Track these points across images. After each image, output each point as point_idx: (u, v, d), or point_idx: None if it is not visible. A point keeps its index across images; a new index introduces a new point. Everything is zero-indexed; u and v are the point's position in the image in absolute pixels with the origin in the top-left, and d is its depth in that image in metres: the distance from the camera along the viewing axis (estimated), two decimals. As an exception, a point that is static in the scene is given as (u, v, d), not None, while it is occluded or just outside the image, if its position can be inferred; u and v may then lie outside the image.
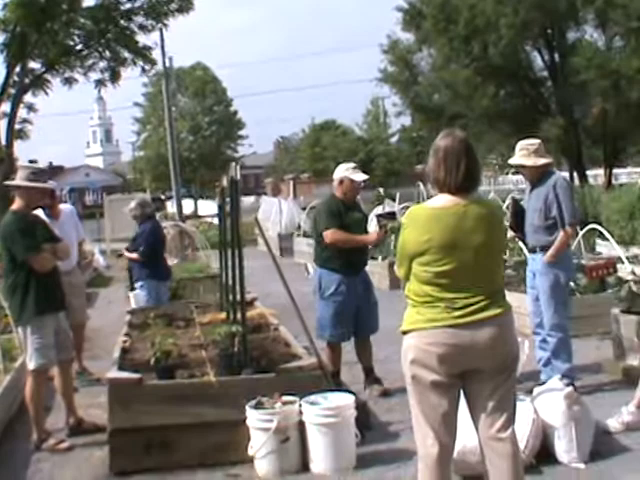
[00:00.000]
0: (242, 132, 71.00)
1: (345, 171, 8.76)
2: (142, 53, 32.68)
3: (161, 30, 34.41)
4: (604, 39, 30.37)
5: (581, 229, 12.52)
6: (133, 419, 6.66)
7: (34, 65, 31.76)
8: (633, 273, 9.75)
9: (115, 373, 7.01)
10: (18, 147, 32.98)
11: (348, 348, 8.94)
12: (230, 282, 8.04)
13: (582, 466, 6.31)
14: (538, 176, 8.21)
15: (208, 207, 48.89)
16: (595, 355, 9.53)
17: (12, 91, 30.73)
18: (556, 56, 30.94)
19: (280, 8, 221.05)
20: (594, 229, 13.34)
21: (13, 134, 31.00)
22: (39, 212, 8.33)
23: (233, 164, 7.68)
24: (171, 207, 49.25)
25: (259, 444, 6.53)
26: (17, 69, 30.52)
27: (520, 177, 31.59)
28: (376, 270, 15.52)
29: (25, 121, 32.92)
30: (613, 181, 32.19)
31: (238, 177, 7.49)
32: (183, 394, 6.80)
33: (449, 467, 4.90)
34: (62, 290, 7.84)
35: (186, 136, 66.23)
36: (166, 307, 10.57)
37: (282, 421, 6.48)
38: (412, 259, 4.80)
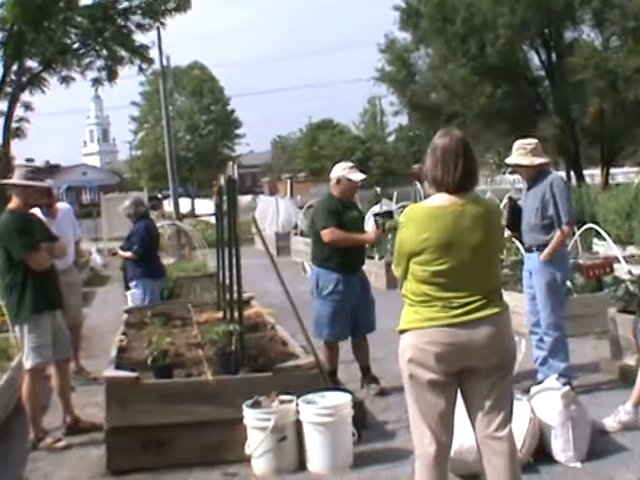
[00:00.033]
0: (239, 131, 70.96)
1: (342, 170, 8.77)
2: (139, 52, 32.65)
3: (158, 29, 34.30)
4: (601, 39, 30.33)
5: (578, 229, 12.53)
6: (130, 418, 6.66)
7: (31, 63, 31.75)
8: (630, 273, 9.74)
9: (112, 372, 7.01)
10: (15, 146, 32.96)
11: (345, 347, 8.94)
12: (227, 281, 8.04)
13: (579, 465, 6.31)
14: (535, 175, 8.22)
15: (205, 206, 48.90)
16: (592, 354, 9.54)
17: (9, 89, 30.69)
18: (553, 56, 30.92)
19: (277, 7, 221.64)
20: (591, 229, 13.34)
21: (10, 133, 30.97)
22: (36, 211, 8.32)
23: (230, 163, 7.69)
24: (168, 206, 49.22)
25: (256, 443, 6.53)
26: (14, 67, 30.48)
27: (517, 176, 31.64)
28: (373, 269, 15.54)
29: (22, 120, 32.90)
30: (610, 181, 32.14)
31: (235, 176, 7.49)
32: (180, 393, 6.80)
33: (446, 466, 4.91)
34: (59, 289, 7.85)
35: (183, 135, 66.21)
36: (163, 306, 10.57)
37: (279, 420, 6.48)
38: (409, 258, 4.80)
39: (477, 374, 4.77)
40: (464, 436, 5.42)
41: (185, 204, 54.21)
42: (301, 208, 28.01)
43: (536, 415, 6.40)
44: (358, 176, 8.80)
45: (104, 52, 32.42)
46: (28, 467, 7.17)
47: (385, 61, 34.99)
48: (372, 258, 16.40)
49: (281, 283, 7.69)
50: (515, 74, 30.85)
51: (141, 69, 33.47)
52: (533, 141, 8.31)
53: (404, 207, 10.61)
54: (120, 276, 12.36)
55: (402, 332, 4.84)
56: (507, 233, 8.54)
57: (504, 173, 51.10)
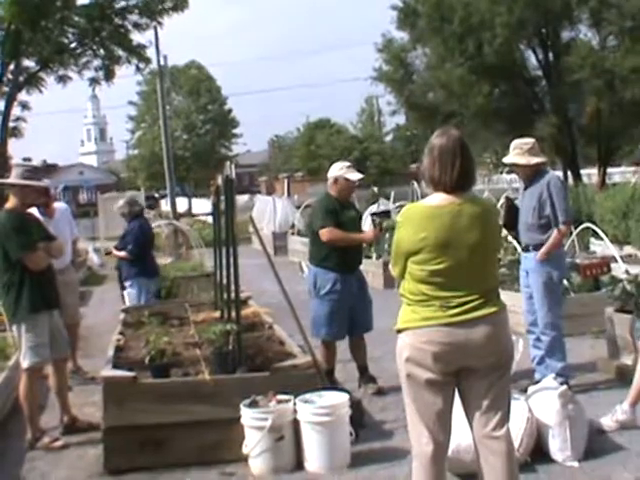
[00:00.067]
0: (236, 131, 70.89)
1: (340, 170, 8.77)
2: (136, 51, 32.65)
3: (155, 28, 34.37)
4: (598, 38, 30.38)
5: (575, 228, 12.54)
6: (127, 417, 6.65)
7: (28, 63, 31.75)
8: (627, 272, 9.75)
9: (110, 371, 7.01)
10: (12, 145, 33.00)
11: (342, 346, 8.95)
12: (225, 280, 8.04)
13: (576, 464, 6.32)
14: (532, 175, 8.23)
15: (202, 205, 48.90)
16: (589, 354, 9.55)
17: (6, 89, 30.68)
18: (550, 55, 30.94)
19: (277, 7, 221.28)
20: (588, 228, 13.36)
21: (7, 132, 30.97)
22: (34, 210, 8.32)
23: (228, 163, 7.68)
24: (165, 205, 49.25)
25: (254, 442, 6.53)
26: (11, 67, 30.48)
27: (514, 176, 31.60)
28: (370, 269, 15.55)
29: (19, 119, 32.90)
30: (607, 180, 32.22)
31: (233, 176, 7.49)
32: (177, 392, 6.80)
33: (444, 465, 4.91)
34: (56, 288, 7.84)
35: (180, 134, 66.15)
36: (161, 306, 10.57)
37: (276, 420, 6.49)
38: (407, 257, 4.81)
39: (475, 373, 4.77)
40: (461, 435, 5.42)
41: (182, 203, 54.29)
42: (298, 208, 28.02)
43: (533, 414, 6.41)
44: (356, 176, 8.80)
45: (101, 51, 32.41)
46: (25, 467, 7.16)
47: (382, 60, 35.04)
48: (369, 258, 16.41)
49: (278, 283, 7.68)
50: (512, 73, 30.87)
51: (138, 68, 33.48)
52: (530, 141, 8.32)
53: (401, 207, 10.60)
54: (117, 275, 12.34)
55: (399, 331, 4.85)
56: (504, 232, 8.55)
57: (501, 172, 51.22)
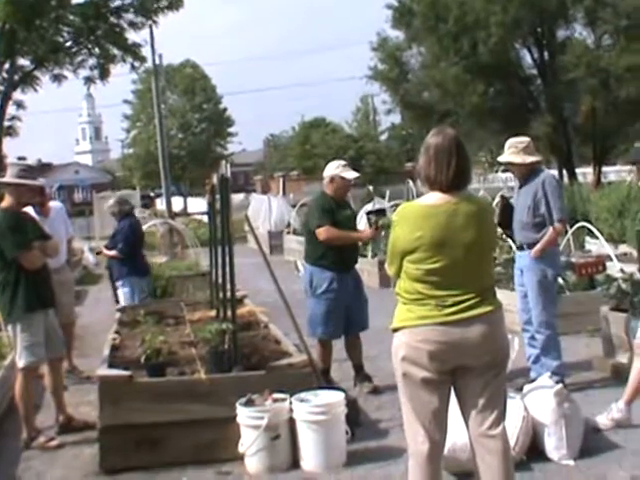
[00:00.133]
0: (232, 129, 70.89)
1: (336, 169, 8.76)
2: (131, 50, 32.61)
3: (151, 27, 34.30)
4: (593, 37, 30.45)
5: (570, 227, 12.55)
6: (123, 417, 6.65)
7: (23, 62, 31.72)
8: (622, 271, 9.77)
9: (105, 371, 7.01)
10: (7, 144, 32.93)
11: (338, 345, 8.94)
12: (220, 280, 8.04)
13: (572, 463, 6.33)
14: (527, 174, 8.23)
15: (197, 205, 48.89)
16: (585, 352, 9.57)
17: (1, 88, 30.66)
18: (545, 54, 31.00)
19: (275, 7, 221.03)
20: (583, 227, 13.37)
21: (2, 131, 30.93)
22: (29, 209, 8.31)
23: (223, 162, 7.68)
24: (160, 204, 49.26)
25: (249, 441, 6.53)
26: (6, 66, 30.44)
27: (510, 175, 31.68)
28: (366, 268, 15.55)
29: (14, 118, 32.87)
30: (602, 179, 32.24)
31: (228, 174, 7.48)
32: (173, 392, 6.79)
33: (440, 464, 4.91)
34: (52, 288, 7.83)
35: (176, 133, 66.11)
36: (156, 305, 10.56)
37: (272, 418, 6.49)
38: (403, 256, 4.81)
39: (470, 372, 4.78)
40: (457, 434, 5.43)
41: (177, 203, 54.21)
42: (294, 206, 28.01)
43: (529, 413, 6.41)
44: (351, 174, 8.80)
45: (96, 50, 32.37)
46: (21, 466, 7.15)
47: (378, 59, 35.08)
48: (365, 256, 16.41)
49: (274, 281, 7.68)
50: (507, 72, 30.92)
51: (133, 67, 33.44)
52: (525, 139, 8.32)
53: (397, 205, 10.61)
54: (108, 275, 12.30)
55: (395, 330, 4.85)
56: (499, 231, 8.55)
57: (497, 171, 51.23)
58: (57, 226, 9.67)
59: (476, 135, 33.48)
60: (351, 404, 7.09)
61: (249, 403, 6.62)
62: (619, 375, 8.19)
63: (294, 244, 22.91)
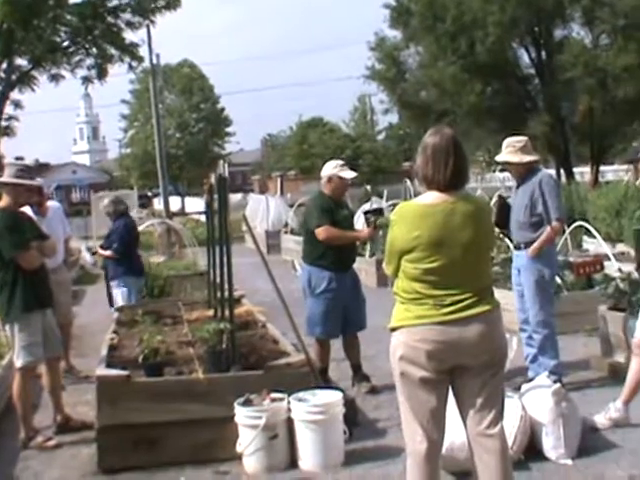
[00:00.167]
0: (229, 129, 70.89)
1: (334, 169, 8.77)
2: (129, 50, 32.55)
3: (148, 27, 34.25)
4: (591, 37, 30.46)
5: (568, 226, 12.56)
6: (121, 416, 6.65)
7: (21, 62, 31.63)
8: (620, 270, 9.78)
9: (103, 370, 7.00)
10: (4, 144, 32.93)
11: (336, 345, 8.95)
12: (218, 279, 8.04)
13: (569, 462, 6.33)
14: (524, 173, 8.23)
15: (195, 204, 48.85)
16: (582, 352, 9.57)
17: (-2, 88, 30.63)
18: (543, 54, 31.00)
19: (273, 7, 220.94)
20: (581, 226, 13.38)
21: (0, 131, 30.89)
22: (26, 209, 8.30)
23: (221, 161, 7.68)
24: (158, 204, 49.21)
25: (247, 441, 6.53)
26: (3, 66, 30.40)
27: (507, 174, 31.65)
28: (363, 267, 15.54)
29: (11, 118, 32.80)
30: (600, 178, 32.26)
31: (226, 174, 7.49)
32: (171, 391, 6.79)
33: (438, 463, 4.91)
34: (49, 287, 7.82)
35: (173, 133, 66.08)
36: (154, 304, 10.55)
37: (270, 418, 6.48)
38: (401, 256, 4.81)
39: (468, 372, 4.78)
40: (455, 434, 5.43)
41: (175, 202, 54.21)
42: (291, 206, 28.04)
43: (527, 412, 6.42)
44: (349, 174, 8.80)
45: (94, 50, 32.30)
46: (19, 466, 7.14)
47: (375, 59, 35.07)
48: (362, 256, 16.41)
49: (272, 281, 7.69)
50: (505, 72, 30.92)
51: (131, 67, 33.36)
52: (522, 139, 8.32)
53: (394, 205, 10.62)
54: (104, 275, 12.26)
55: (393, 330, 4.85)
56: (496, 230, 8.56)
57: (494, 171, 51.25)
58: (55, 226, 9.67)
59: (474, 134, 33.49)
60: (349, 404, 7.10)
61: (247, 403, 6.62)
62: (617, 374, 8.19)
63: (291, 244, 22.92)
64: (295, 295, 9.35)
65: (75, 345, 11.00)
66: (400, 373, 4.80)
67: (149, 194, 59.48)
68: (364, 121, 74.11)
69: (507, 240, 9.80)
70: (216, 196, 7.78)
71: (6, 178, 7.61)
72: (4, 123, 31.75)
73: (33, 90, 32.04)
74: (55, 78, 32.18)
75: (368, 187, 30.89)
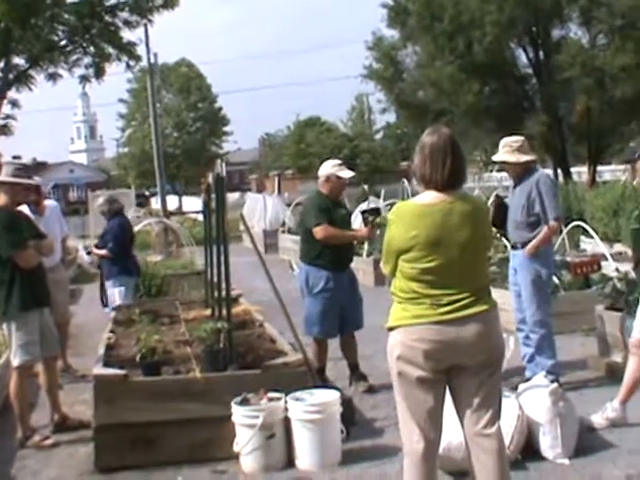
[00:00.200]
0: (227, 128, 70.96)
1: (331, 168, 8.76)
2: (127, 49, 32.50)
3: (146, 26, 34.21)
4: (588, 37, 30.42)
5: (565, 226, 12.56)
6: (118, 415, 6.65)
7: (18, 61, 31.58)
8: (617, 270, 9.79)
9: (100, 369, 7.00)
10: (2, 143, 32.90)
11: (333, 345, 8.95)
12: (215, 278, 8.03)
13: (567, 462, 6.34)
14: (521, 173, 8.24)
15: (192, 203, 48.82)
16: (580, 351, 9.58)
17: (-5, 87, 30.58)
18: (541, 53, 30.97)
19: (268, 6, 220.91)
20: (578, 226, 13.38)
21: (-3, 130, 30.88)
22: (24, 208, 8.30)
23: (218, 161, 7.68)
24: (155, 203, 49.18)
25: (245, 440, 6.53)
26: (1, 65, 30.36)
27: (504, 174, 31.64)
28: (361, 266, 15.53)
29: (9, 117, 32.76)
30: (597, 178, 32.24)
31: (223, 173, 7.49)
32: (168, 390, 6.80)
33: (435, 463, 4.92)
34: (47, 286, 7.82)
35: (171, 132, 66.09)
36: (151, 304, 10.55)
37: (268, 417, 6.49)
38: (398, 255, 4.81)
39: (465, 371, 4.78)
40: (453, 433, 5.43)
41: (173, 201, 54.19)
42: (289, 205, 28.02)
43: (524, 412, 6.42)
44: (347, 174, 8.80)
45: (91, 49, 32.24)
46: (16, 465, 7.14)
47: (373, 58, 35.01)
48: (360, 255, 16.41)
49: (269, 280, 7.69)
50: (502, 72, 30.89)
51: (128, 66, 33.30)
52: (519, 139, 8.33)
53: (392, 205, 10.62)
54: (99, 275, 12.22)
55: (391, 329, 4.85)
56: (494, 230, 8.56)
57: (491, 171, 51.22)
58: (52, 225, 9.67)
59: (471, 134, 33.45)
60: (346, 403, 7.10)
61: (244, 402, 6.62)
62: (614, 374, 8.20)
63: (289, 243, 22.91)
64: (292, 294, 9.35)
65: (72, 344, 11.00)
66: (397, 373, 4.81)
67: (146, 193, 59.42)
68: (361, 120, 74.12)
69: (504, 240, 9.80)
70: (214, 195, 7.78)
71: (4, 177, 7.60)
72: (1, 122, 31.70)
73: (30, 89, 31.98)
74: (52, 77, 32.14)
75: (365, 186, 30.88)
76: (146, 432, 6.69)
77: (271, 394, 6.68)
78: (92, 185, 66.32)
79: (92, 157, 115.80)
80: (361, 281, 10.23)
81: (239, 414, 6.58)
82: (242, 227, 18.91)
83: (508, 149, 8.20)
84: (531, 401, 6.55)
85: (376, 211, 9.43)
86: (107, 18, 31.77)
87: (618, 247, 16.13)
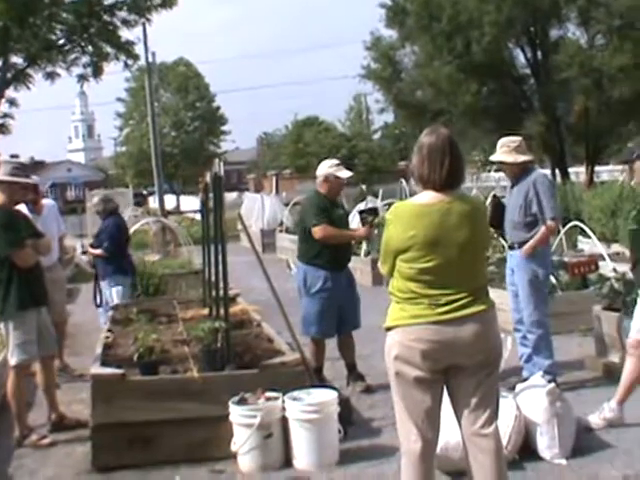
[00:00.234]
0: (225, 128, 70.89)
1: (330, 168, 8.76)
2: (125, 48, 32.48)
3: (144, 25, 34.20)
4: (586, 37, 30.42)
5: (563, 226, 12.57)
6: (116, 415, 6.65)
7: (16, 59, 31.56)
8: (615, 270, 9.79)
9: (98, 369, 7.00)
10: (0, 142, 32.86)
11: (331, 344, 8.95)
12: (213, 278, 8.03)
13: (564, 462, 6.34)
14: (519, 173, 8.24)
15: (190, 203, 48.83)
16: (577, 352, 9.58)
17: (-6, 86, 30.56)
18: (539, 53, 30.98)
19: (267, 5, 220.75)
20: (576, 226, 13.39)
21: (-6, 129, 30.86)
22: (22, 207, 8.29)
23: (216, 160, 7.68)
24: (153, 203, 49.20)
25: (242, 440, 6.53)
26: (-1, 63, 30.36)
27: (502, 174, 31.64)
28: (358, 266, 15.55)
29: (6, 116, 32.74)
30: (595, 179, 32.25)
31: (221, 173, 7.48)
32: (166, 390, 6.79)
33: (432, 463, 4.92)
34: (44, 286, 7.82)
35: (169, 131, 66.04)
36: (149, 303, 10.55)
37: (265, 417, 6.49)
38: (396, 255, 4.81)
39: (463, 371, 4.78)
40: (450, 433, 5.43)
41: (170, 201, 54.16)
42: (286, 205, 28.03)
43: (522, 412, 6.42)
44: (345, 173, 8.80)
45: (89, 48, 32.22)
46: (13, 464, 7.14)
47: (371, 58, 35.00)
48: (358, 255, 16.42)
49: (267, 280, 7.69)
50: (501, 72, 30.91)
51: (126, 65, 33.27)
52: (517, 139, 8.33)
53: (390, 205, 10.63)
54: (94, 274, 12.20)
55: (388, 329, 4.85)
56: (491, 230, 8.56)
57: (489, 171, 51.21)
58: (49, 224, 9.66)
59: (469, 134, 33.47)
60: (344, 403, 7.10)
61: (242, 402, 6.62)
62: (611, 374, 8.20)
63: (287, 242, 22.91)
64: (290, 294, 9.34)
65: (69, 343, 10.99)
66: (395, 372, 4.81)
67: (144, 192, 59.39)
68: (360, 120, 74.10)
69: (502, 240, 9.81)
70: (211, 195, 7.78)
71: (1, 176, 7.59)
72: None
73: (28, 88, 31.96)
74: (51, 76, 32.11)
75: (363, 186, 30.91)
76: (144, 431, 6.69)
77: (269, 394, 6.68)
78: (90, 184, 66.19)
79: (90, 156, 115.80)
80: (359, 281, 10.24)
81: (237, 414, 6.58)
82: (240, 226, 18.89)
83: (506, 149, 8.20)
84: (528, 401, 6.56)
85: (374, 211, 9.44)
86: (105, 17, 31.76)
87: (616, 247, 16.11)
